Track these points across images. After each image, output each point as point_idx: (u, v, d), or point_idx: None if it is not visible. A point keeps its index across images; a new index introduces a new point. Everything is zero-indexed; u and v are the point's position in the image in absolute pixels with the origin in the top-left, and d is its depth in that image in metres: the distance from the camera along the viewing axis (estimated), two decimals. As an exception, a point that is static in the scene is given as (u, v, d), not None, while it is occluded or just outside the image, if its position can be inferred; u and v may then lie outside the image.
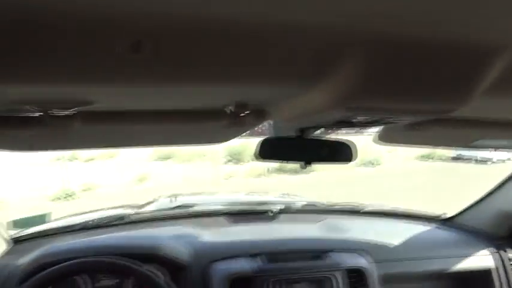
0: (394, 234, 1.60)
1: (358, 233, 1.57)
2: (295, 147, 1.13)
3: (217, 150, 10.40)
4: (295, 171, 9.04)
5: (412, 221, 1.75)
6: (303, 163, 1.14)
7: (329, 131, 1.18)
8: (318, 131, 1.15)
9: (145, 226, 1.56)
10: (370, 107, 0.66)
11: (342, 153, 1.15)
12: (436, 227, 1.71)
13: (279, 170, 9.23)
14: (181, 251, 1.29)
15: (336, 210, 1.78)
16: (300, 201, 1.88)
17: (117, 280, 1.28)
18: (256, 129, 1.09)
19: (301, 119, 1.01)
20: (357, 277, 1.32)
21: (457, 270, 1.48)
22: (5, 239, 1.39)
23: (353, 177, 7.88)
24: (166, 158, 10.38)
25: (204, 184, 8.10)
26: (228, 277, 1.23)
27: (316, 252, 1.36)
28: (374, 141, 1.18)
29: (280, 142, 1.13)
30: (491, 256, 1.51)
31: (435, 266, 1.49)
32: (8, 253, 1.34)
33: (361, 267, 1.33)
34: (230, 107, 0.83)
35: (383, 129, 1.08)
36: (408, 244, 1.55)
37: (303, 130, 1.12)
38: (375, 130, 1.29)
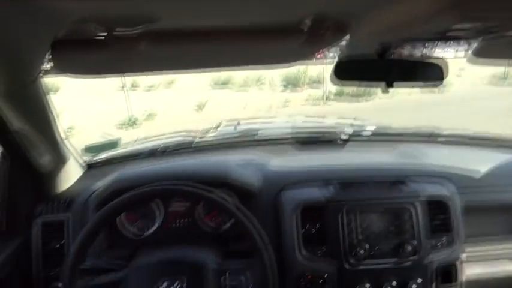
0: (476, 161, 1.47)
1: (437, 159, 1.45)
2: (375, 68, 1.02)
3: (274, 77, 10.22)
4: (355, 98, 8.71)
5: (495, 148, 1.60)
6: (383, 85, 1.03)
7: (414, 48, 1.05)
8: (402, 49, 1.02)
9: (212, 153, 1.55)
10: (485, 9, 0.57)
11: (430, 73, 1.02)
12: None
13: (338, 96, 8.94)
14: (250, 178, 1.27)
15: (411, 135, 1.65)
16: (369, 126, 1.77)
17: (189, 205, 1.30)
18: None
19: (385, 34, 0.89)
20: (438, 207, 1.23)
21: None
22: (80, 164, 1.44)
23: (417, 104, 7.47)
24: (223, 84, 10.39)
25: (261, 111, 8.08)
26: (300, 204, 1.20)
27: (393, 180, 1.27)
28: (468, 60, 1.04)
29: (359, 62, 1.02)
30: None
31: None
32: (82, 178, 1.40)
33: (443, 196, 1.24)
34: (307, 21, 0.74)
35: (481, 43, 0.94)
36: (493, 172, 1.42)
37: (384, 48, 0.99)
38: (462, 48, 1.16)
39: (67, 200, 1.26)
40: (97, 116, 7.89)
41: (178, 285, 0.95)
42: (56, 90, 8.76)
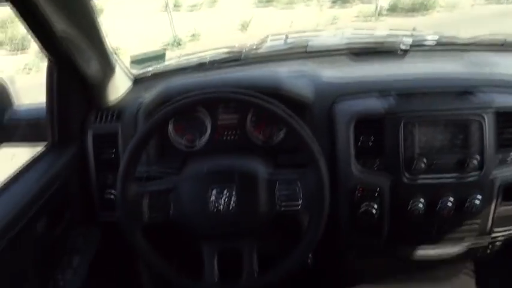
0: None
1: (509, 68, 1.31)
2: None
3: (322, -8, 9.58)
4: (410, 13, 8.04)
5: None
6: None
7: None
8: None
9: (262, 65, 1.48)
10: None
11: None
12: None
13: (391, 11, 8.28)
14: (303, 89, 1.20)
15: (480, 44, 1.48)
16: (432, 35, 1.60)
17: (238, 117, 1.27)
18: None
19: None
20: (509, 120, 1.12)
21: None
22: (128, 77, 1.43)
23: (483, 17, 6.78)
24: (268, 2, 9.91)
25: (307, 29, 7.70)
26: (355, 116, 1.13)
27: (459, 90, 1.16)
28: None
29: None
30: None
31: None
32: (131, 90, 1.39)
33: None
34: None
35: None
36: None
37: None
38: None
39: (117, 111, 1.26)
40: (141, 37, 7.87)
41: (227, 193, 0.95)
42: (100, 12, 8.73)
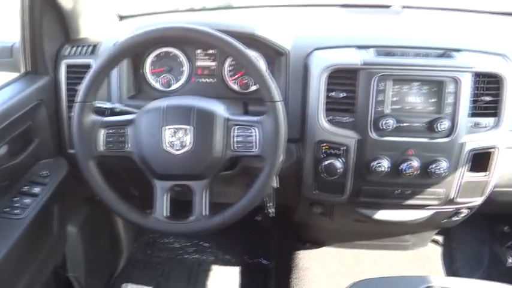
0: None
1: (500, 34, 1.26)
2: None
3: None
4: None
5: None
6: None
7: None
8: None
9: (250, 13, 1.45)
10: None
11: None
12: None
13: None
14: (281, 37, 1.17)
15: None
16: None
17: (216, 63, 1.25)
18: None
19: None
20: (491, 84, 1.08)
21: None
22: (114, 14, 1.40)
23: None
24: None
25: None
26: (328, 67, 1.10)
27: (440, 51, 1.12)
28: None
29: None
30: None
31: None
32: (113, 28, 1.37)
33: (498, 73, 1.08)
34: None
35: None
36: None
37: None
38: None
39: (92, 46, 1.24)
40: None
41: (183, 131, 0.94)
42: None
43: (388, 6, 1.50)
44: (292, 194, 1.31)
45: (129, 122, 0.97)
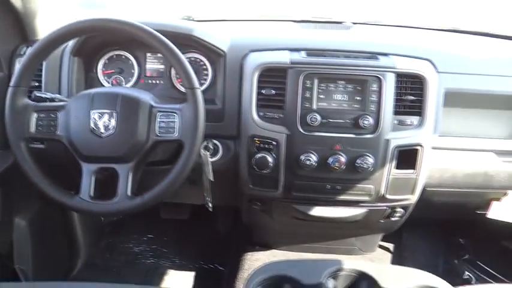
0: (470, 48, 1.33)
1: (426, 42, 1.34)
2: None
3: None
4: None
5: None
6: None
7: None
8: None
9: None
10: None
11: None
12: None
13: None
14: (219, 40, 1.25)
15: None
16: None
17: (164, 66, 1.32)
18: None
19: None
20: (411, 85, 1.15)
21: None
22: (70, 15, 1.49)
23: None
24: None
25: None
26: (260, 66, 1.17)
27: (369, 53, 1.19)
28: None
29: None
30: None
31: None
32: None
33: (420, 74, 1.14)
34: None
35: None
36: (486, 60, 1.28)
37: None
38: None
39: None
40: None
41: (108, 117, 1.00)
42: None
43: (340, 23, 1.60)
44: (235, 192, 1.35)
45: (60, 108, 1.04)
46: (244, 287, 0.92)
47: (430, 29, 1.60)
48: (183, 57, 1.00)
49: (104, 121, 1.00)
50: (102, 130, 1.00)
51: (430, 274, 0.97)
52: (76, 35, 1.08)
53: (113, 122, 1.00)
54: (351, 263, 0.96)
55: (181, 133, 1.00)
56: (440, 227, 1.82)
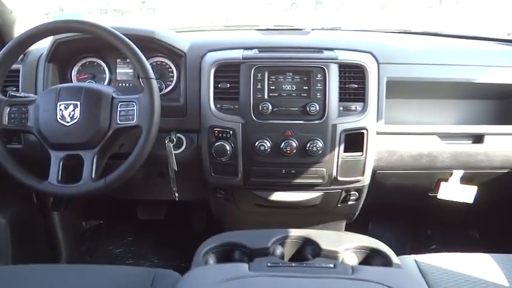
0: (412, 43, 1.46)
1: (368, 37, 1.48)
2: None
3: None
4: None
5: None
6: None
7: None
8: None
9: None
10: None
11: None
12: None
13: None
14: (179, 41, 1.37)
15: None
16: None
17: (133, 70, 1.43)
18: None
19: None
20: (354, 74, 1.27)
21: (495, 82, 1.33)
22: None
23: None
24: None
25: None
26: (216, 62, 1.29)
27: (317, 49, 1.32)
28: None
29: None
30: None
31: (463, 75, 1.35)
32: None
33: (361, 64, 1.27)
34: None
35: None
36: (423, 51, 1.41)
37: None
38: None
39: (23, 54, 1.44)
40: None
41: (73, 108, 1.11)
42: None
43: (300, 29, 1.73)
44: (201, 184, 1.44)
45: (30, 102, 1.15)
46: (197, 254, 1.00)
47: (381, 31, 1.73)
48: (137, 49, 1.12)
49: (69, 111, 1.11)
50: (68, 120, 1.11)
51: (370, 237, 1.05)
52: (42, 35, 1.19)
53: (78, 112, 1.11)
54: (297, 231, 1.05)
55: (139, 119, 1.11)
56: (407, 218, 1.90)
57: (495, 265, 1.06)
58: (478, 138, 1.36)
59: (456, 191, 1.40)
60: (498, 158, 1.36)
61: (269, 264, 0.87)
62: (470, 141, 1.37)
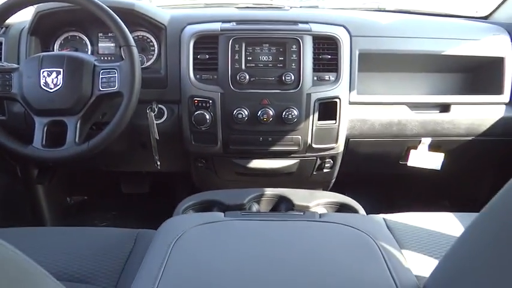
0: (384, 19, 1.53)
1: (343, 13, 1.54)
2: None
3: None
4: None
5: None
6: None
7: None
8: None
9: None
10: None
11: None
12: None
13: None
14: (159, 14, 1.40)
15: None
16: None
17: (115, 44, 1.47)
18: None
19: None
20: (327, 45, 1.33)
21: (461, 55, 1.41)
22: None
23: None
24: None
25: None
26: (194, 34, 1.34)
27: (292, 22, 1.37)
28: None
29: None
30: (509, 45, 1.41)
31: (431, 47, 1.42)
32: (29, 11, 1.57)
33: (334, 36, 1.33)
34: None
35: None
36: (395, 24, 1.48)
37: None
38: None
39: (5, 27, 1.46)
40: None
41: (56, 74, 1.15)
42: None
43: (278, 7, 1.77)
44: (182, 154, 1.50)
45: (14, 70, 1.18)
46: (175, 211, 1.06)
47: (357, 9, 1.79)
48: (117, 17, 1.16)
49: (52, 78, 1.15)
50: (52, 86, 1.15)
51: (340, 194, 1.13)
52: (23, 4, 1.22)
53: (60, 79, 1.15)
54: (272, 190, 1.12)
55: (120, 85, 1.15)
56: (381, 187, 1.98)
57: (458, 223, 1.15)
58: (444, 108, 1.44)
59: (425, 158, 1.49)
60: (463, 126, 1.44)
61: (243, 213, 0.94)
62: (438, 111, 1.45)
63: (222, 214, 0.91)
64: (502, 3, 1.56)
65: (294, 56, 1.33)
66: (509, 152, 1.54)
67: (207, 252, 0.72)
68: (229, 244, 0.75)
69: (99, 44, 1.50)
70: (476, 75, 1.51)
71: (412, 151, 1.50)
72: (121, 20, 1.18)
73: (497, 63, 1.43)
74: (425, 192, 1.97)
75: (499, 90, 1.43)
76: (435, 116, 1.45)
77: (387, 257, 0.74)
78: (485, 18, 1.64)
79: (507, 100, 1.43)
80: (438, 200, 2.02)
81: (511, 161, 1.61)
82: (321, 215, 0.90)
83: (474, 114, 1.45)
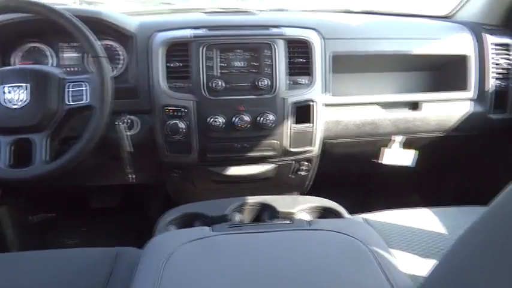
0: (353, 21, 1.54)
1: (313, 16, 1.54)
2: None
3: None
4: None
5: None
6: None
7: None
8: None
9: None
10: None
11: None
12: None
13: None
14: (127, 22, 1.36)
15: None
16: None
17: (79, 54, 1.40)
18: None
19: None
20: (300, 48, 1.32)
21: (428, 53, 1.44)
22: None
23: None
24: None
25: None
26: (165, 42, 1.30)
27: (264, 27, 1.36)
28: None
29: None
30: (472, 43, 1.45)
31: (400, 47, 1.44)
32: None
33: (306, 39, 1.32)
34: None
35: None
36: (365, 26, 1.49)
37: None
38: None
39: None
40: None
41: (19, 90, 1.08)
42: None
43: (246, 11, 1.75)
44: (156, 164, 1.45)
45: None
46: (157, 227, 1.02)
47: (325, 11, 1.81)
48: (84, 28, 1.11)
49: (15, 94, 1.08)
50: (15, 102, 1.08)
51: (322, 198, 1.13)
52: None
53: (24, 95, 1.08)
54: (253, 198, 1.10)
55: (91, 98, 1.10)
56: (357, 188, 2.01)
57: (434, 217, 1.17)
58: (415, 106, 1.48)
59: (397, 156, 1.52)
60: (433, 123, 1.48)
61: (229, 225, 0.92)
62: (408, 109, 1.48)
63: (208, 228, 0.88)
64: (466, 2, 1.61)
65: (268, 60, 1.32)
66: (476, 147, 1.60)
67: (201, 271, 0.70)
68: (222, 262, 0.72)
69: (63, 55, 1.43)
70: (443, 73, 1.55)
71: (385, 149, 1.53)
72: (88, 29, 1.12)
73: (462, 61, 1.48)
74: (399, 189, 2.02)
75: (465, 87, 1.48)
76: (406, 114, 1.48)
77: (380, 261, 0.75)
78: (449, 17, 1.70)
79: (473, 96, 1.49)
80: (410, 195, 2.07)
81: (478, 156, 1.68)
82: (309, 223, 0.89)
83: (443, 110, 1.49)
